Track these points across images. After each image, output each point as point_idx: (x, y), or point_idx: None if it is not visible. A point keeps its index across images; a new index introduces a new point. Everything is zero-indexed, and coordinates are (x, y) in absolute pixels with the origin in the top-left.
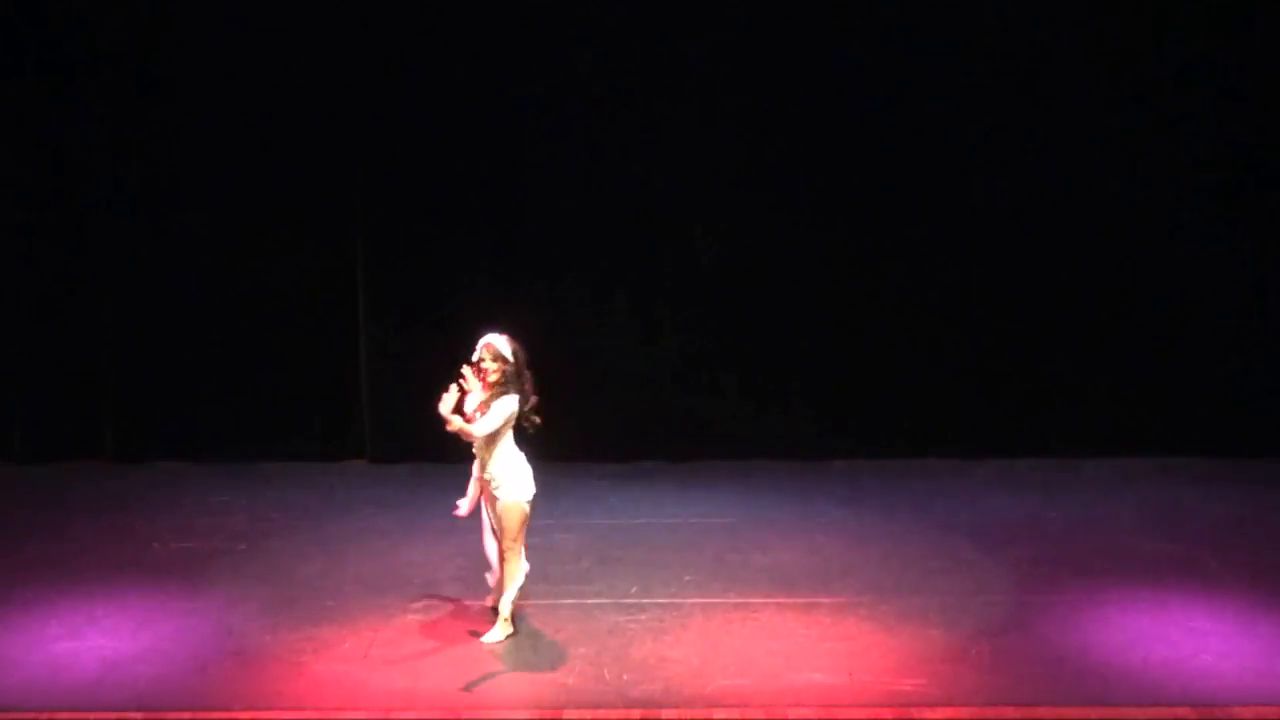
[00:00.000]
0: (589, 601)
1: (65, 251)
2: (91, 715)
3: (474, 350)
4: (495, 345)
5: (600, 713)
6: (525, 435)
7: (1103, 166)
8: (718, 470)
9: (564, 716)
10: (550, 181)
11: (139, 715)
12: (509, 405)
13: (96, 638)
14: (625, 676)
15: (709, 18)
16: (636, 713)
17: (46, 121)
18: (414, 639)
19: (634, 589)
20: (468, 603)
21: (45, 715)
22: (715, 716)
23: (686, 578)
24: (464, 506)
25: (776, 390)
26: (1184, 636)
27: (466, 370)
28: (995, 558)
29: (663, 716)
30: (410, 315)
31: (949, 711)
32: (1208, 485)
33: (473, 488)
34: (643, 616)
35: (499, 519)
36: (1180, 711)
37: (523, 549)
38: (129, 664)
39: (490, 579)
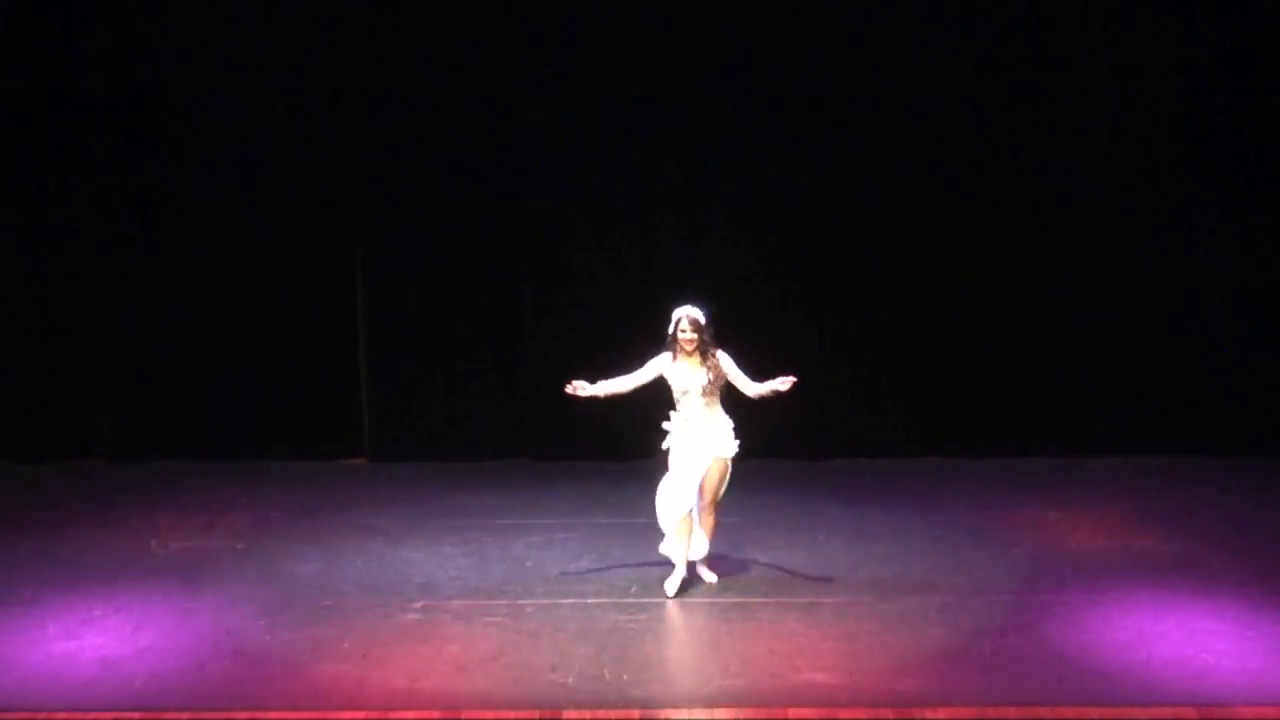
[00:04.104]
0: (589, 601)
1: (63, 249)
2: (90, 715)
3: (671, 325)
4: (695, 315)
5: (600, 713)
6: None
7: (1103, 166)
8: None
9: (564, 716)
10: (551, 180)
11: (137, 715)
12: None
13: (94, 637)
14: (625, 676)
15: (716, 17)
16: (636, 713)
17: (44, 120)
18: (414, 639)
19: (634, 589)
20: (468, 603)
21: (44, 715)
22: (715, 716)
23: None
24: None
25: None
26: (1185, 636)
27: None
28: (995, 558)
29: (663, 716)
30: (410, 314)
31: (950, 711)
32: (1208, 485)
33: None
34: (643, 616)
35: (715, 474)
36: (1182, 711)
37: None
38: (127, 664)
39: (671, 548)
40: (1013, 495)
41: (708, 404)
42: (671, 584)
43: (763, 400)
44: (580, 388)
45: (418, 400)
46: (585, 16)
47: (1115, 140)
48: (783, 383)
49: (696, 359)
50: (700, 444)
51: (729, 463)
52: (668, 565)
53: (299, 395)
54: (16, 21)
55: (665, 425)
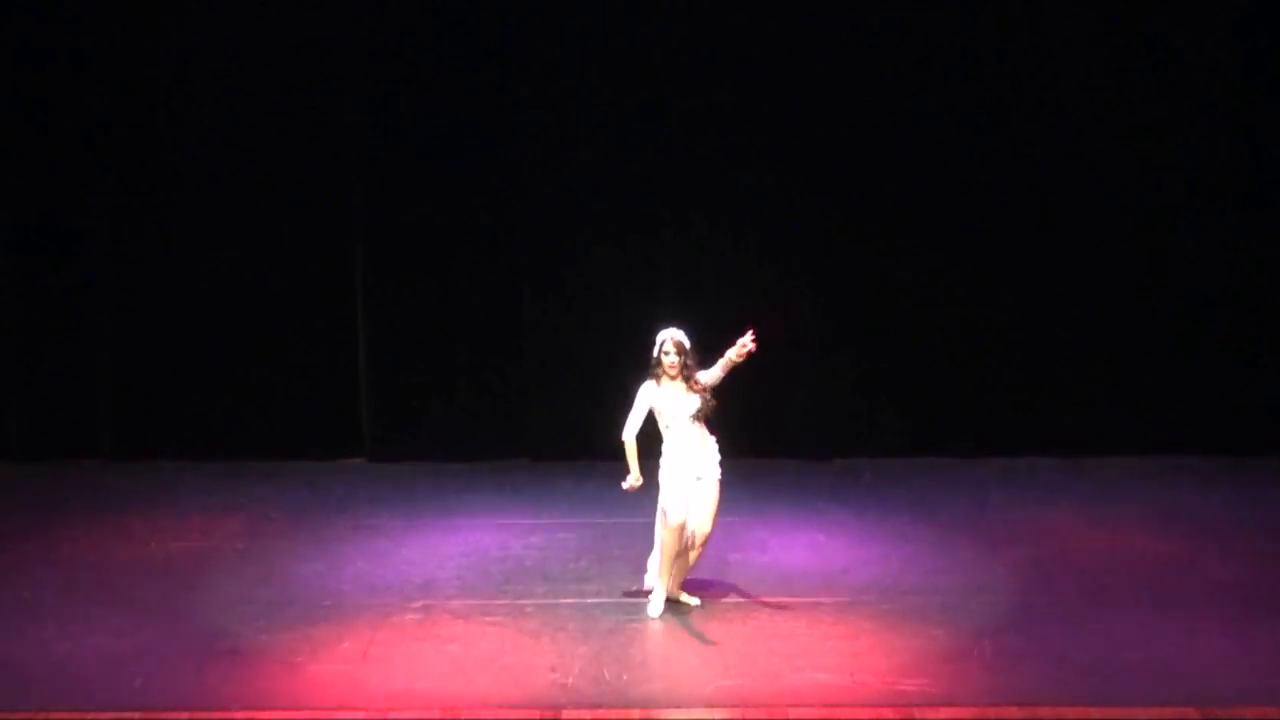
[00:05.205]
0: (589, 601)
1: (63, 249)
2: (90, 715)
3: (655, 348)
4: (679, 338)
5: (600, 713)
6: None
7: (1104, 167)
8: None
9: (564, 716)
10: (551, 179)
11: (137, 715)
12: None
13: (94, 637)
14: (625, 676)
15: (719, 18)
16: (636, 713)
17: (45, 120)
18: (413, 639)
19: (634, 589)
20: (468, 603)
21: (43, 715)
22: (715, 716)
23: (687, 577)
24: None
25: (776, 389)
26: (1185, 636)
27: None
28: (996, 557)
29: (663, 716)
30: (409, 314)
31: (951, 711)
32: (1208, 485)
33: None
34: (643, 616)
35: (707, 500)
36: (1182, 711)
37: None
38: (127, 664)
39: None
40: (1013, 495)
41: (698, 428)
42: (656, 605)
43: (737, 368)
44: (633, 482)
45: (417, 400)
46: (585, 17)
47: (1117, 140)
48: (744, 343)
49: (680, 383)
50: (694, 470)
51: (719, 484)
52: None
53: (299, 395)
54: (18, 22)
55: (662, 466)
